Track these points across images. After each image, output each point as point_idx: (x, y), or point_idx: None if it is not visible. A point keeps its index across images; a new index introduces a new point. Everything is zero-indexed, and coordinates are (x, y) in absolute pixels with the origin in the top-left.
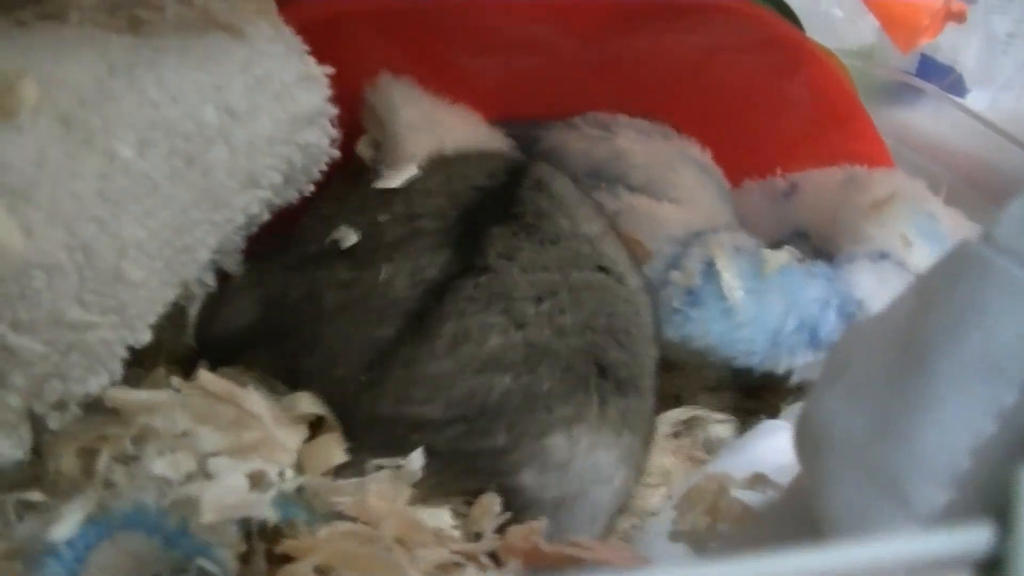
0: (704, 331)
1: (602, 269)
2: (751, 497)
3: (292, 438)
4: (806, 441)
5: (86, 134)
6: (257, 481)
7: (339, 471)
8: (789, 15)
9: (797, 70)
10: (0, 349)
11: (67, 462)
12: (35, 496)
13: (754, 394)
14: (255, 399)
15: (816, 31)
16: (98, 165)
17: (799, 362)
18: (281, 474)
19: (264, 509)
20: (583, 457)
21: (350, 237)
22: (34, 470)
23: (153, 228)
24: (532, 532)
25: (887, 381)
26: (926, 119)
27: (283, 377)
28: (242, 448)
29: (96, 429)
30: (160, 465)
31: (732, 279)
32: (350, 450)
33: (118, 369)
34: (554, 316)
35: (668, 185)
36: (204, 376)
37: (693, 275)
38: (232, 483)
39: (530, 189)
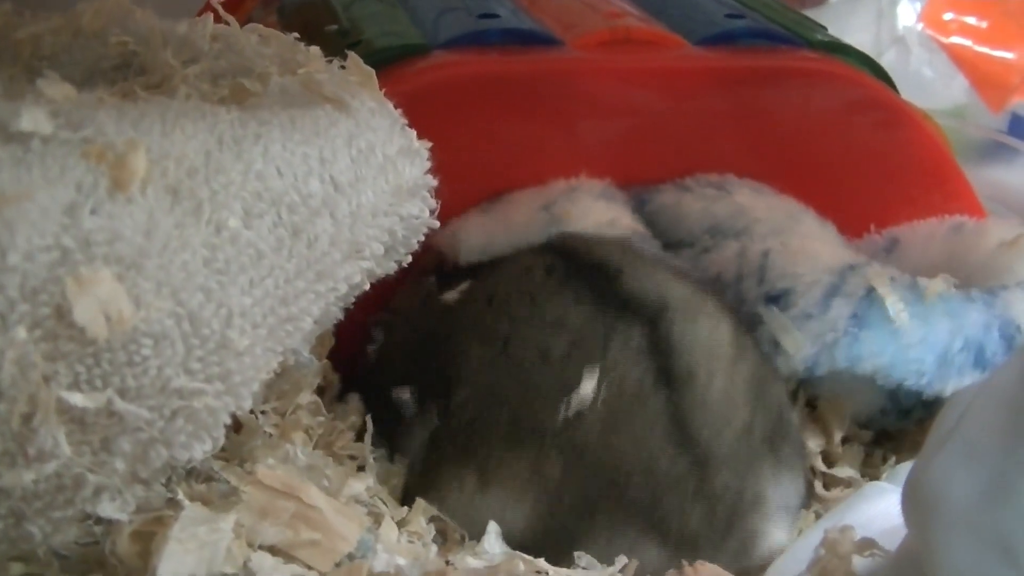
0: (874, 352)
1: None
2: (858, 563)
3: (352, 528)
4: (915, 505)
5: (194, 205)
6: None
7: None
8: (884, 77)
9: (893, 131)
10: (107, 415)
11: (123, 546)
12: None
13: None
14: (314, 492)
15: (907, 92)
16: (206, 235)
17: (966, 383)
18: None
19: None
20: None
21: None
22: (96, 555)
23: (258, 297)
24: None
25: (1000, 446)
26: (1020, 177)
27: None
28: (300, 544)
29: (151, 511)
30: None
31: (896, 303)
32: None
33: (221, 436)
34: None
35: (795, 233)
36: (263, 472)
37: (857, 298)
38: None
39: None
